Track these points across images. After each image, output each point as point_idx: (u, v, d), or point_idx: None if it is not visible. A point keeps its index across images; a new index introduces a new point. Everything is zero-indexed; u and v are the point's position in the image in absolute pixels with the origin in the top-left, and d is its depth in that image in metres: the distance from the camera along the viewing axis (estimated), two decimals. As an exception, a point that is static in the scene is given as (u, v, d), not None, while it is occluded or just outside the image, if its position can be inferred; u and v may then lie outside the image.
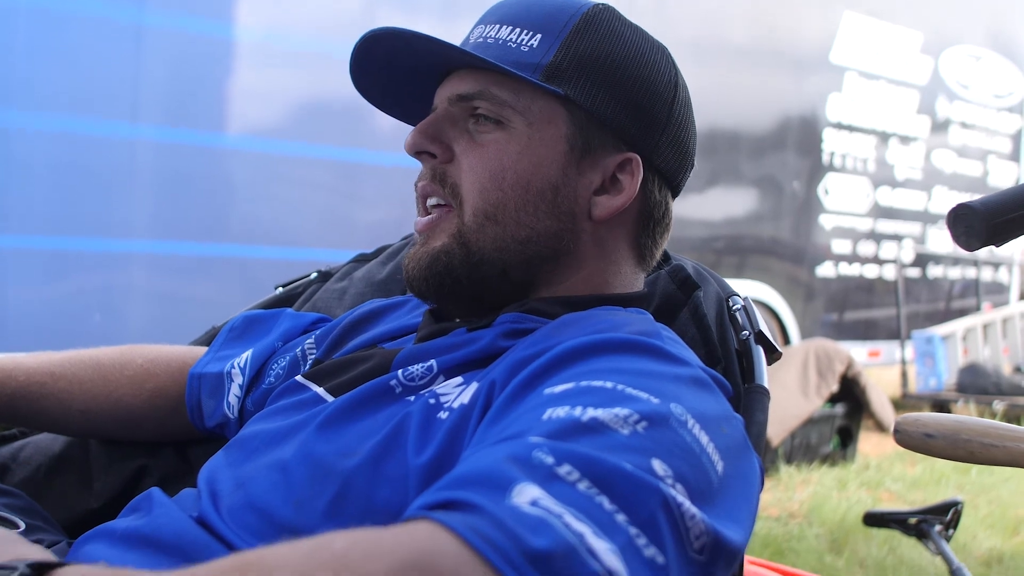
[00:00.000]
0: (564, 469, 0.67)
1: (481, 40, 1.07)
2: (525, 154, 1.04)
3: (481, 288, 1.06)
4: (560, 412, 0.75)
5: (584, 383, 0.81)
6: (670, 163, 1.10)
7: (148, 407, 1.34)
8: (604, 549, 0.62)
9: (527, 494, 0.64)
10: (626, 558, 0.63)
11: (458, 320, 1.11)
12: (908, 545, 3.92)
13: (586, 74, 1.04)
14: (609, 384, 0.80)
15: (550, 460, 0.68)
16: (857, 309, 7.43)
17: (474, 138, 1.06)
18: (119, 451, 1.41)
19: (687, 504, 0.69)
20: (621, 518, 0.65)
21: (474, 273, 1.05)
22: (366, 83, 1.15)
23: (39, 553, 0.82)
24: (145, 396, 1.34)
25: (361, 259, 1.62)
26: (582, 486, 0.66)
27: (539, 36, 1.04)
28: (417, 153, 1.08)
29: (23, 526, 0.92)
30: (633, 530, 0.65)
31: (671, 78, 1.10)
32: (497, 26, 1.06)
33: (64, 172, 3.68)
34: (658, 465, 0.71)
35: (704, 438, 0.78)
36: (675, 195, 1.15)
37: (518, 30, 1.05)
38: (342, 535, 0.62)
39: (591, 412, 0.75)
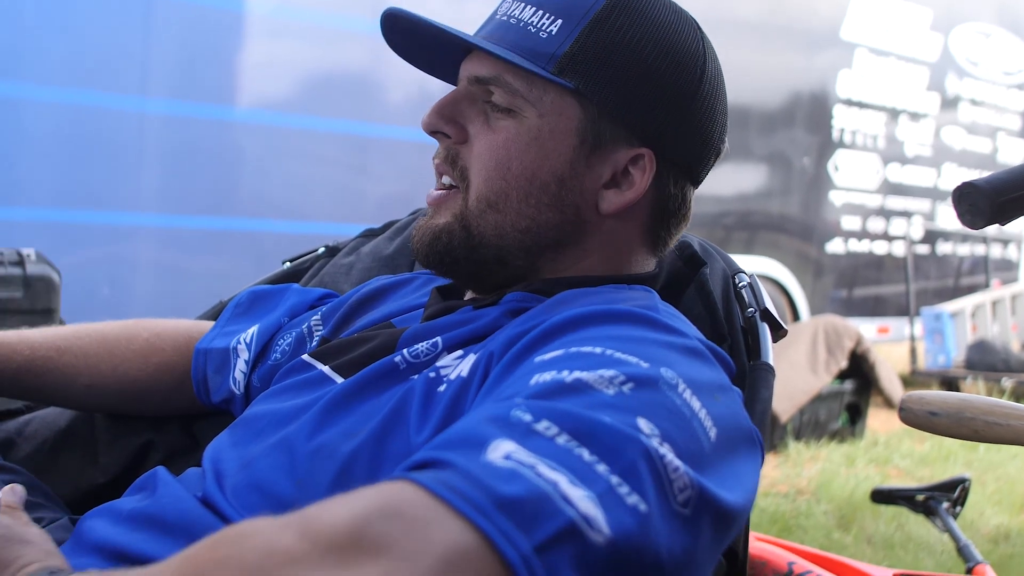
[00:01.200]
0: (542, 425, 0.68)
1: (504, 18, 1.06)
2: (533, 145, 1.03)
3: (479, 269, 1.07)
4: (546, 376, 0.76)
5: (574, 349, 0.81)
6: (688, 156, 1.08)
7: (154, 381, 1.34)
8: (580, 496, 0.62)
9: (501, 449, 0.65)
10: (605, 504, 0.63)
11: (465, 298, 1.12)
12: (916, 522, 3.92)
13: (602, 66, 1.02)
14: (598, 349, 0.80)
15: (528, 417, 0.69)
16: (866, 285, 7.41)
17: (489, 121, 1.06)
18: (125, 426, 1.41)
19: (670, 456, 0.69)
20: (601, 468, 0.65)
21: (472, 255, 1.06)
22: (398, 46, 1.15)
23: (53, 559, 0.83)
24: (151, 370, 1.34)
25: (369, 234, 1.62)
26: (561, 440, 0.67)
27: (560, 22, 1.02)
28: (432, 132, 1.08)
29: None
30: (614, 479, 0.65)
31: (696, 69, 1.06)
32: (523, 4, 1.05)
33: (73, 145, 3.68)
34: (643, 423, 0.71)
35: (696, 403, 0.77)
36: (696, 184, 1.12)
37: (541, 12, 1.03)
38: (320, 502, 0.63)
39: (576, 374, 0.75)
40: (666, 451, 0.69)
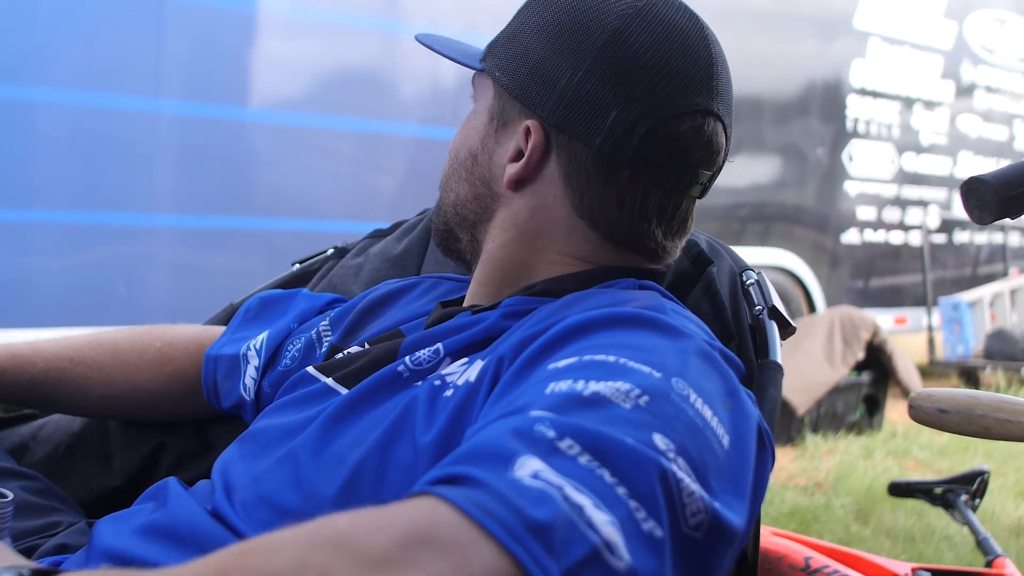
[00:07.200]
0: (565, 443, 0.68)
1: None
2: (464, 127, 1.14)
3: (442, 238, 1.20)
4: (562, 386, 0.76)
5: (587, 357, 0.81)
6: (581, 124, 1.01)
7: (167, 390, 1.36)
8: (603, 521, 0.62)
9: (529, 467, 0.65)
10: (625, 530, 0.63)
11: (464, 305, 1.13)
12: (936, 514, 3.90)
13: (507, 47, 1.09)
14: (611, 358, 0.80)
15: (552, 434, 0.68)
16: (883, 276, 7.38)
17: None
18: (138, 429, 1.43)
19: (687, 480, 0.70)
20: (621, 491, 0.66)
21: (438, 230, 1.20)
22: None
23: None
24: (164, 379, 1.35)
25: (377, 235, 1.62)
26: (583, 459, 0.67)
27: (513, 18, 1.11)
28: None
29: (11, 496, 0.94)
30: (633, 503, 0.65)
31: (598, 34, 1.01)
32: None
33: (89, 147, 3.70)
34: (659, 439, 0.71)
35: (708, 412, 0.77)
36: (611, 157, 1.01)
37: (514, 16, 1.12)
38: (345, 514, 0.63)
39: (593, 386, 0.75)
40: (683, 473, 0.70)
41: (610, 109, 1.01)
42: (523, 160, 1.05)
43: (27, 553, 1.07)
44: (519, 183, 1.07)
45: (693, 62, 1.02)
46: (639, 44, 1.01)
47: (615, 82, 1.01)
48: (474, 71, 1.14)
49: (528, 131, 1.05)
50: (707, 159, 1.05)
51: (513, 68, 1.06)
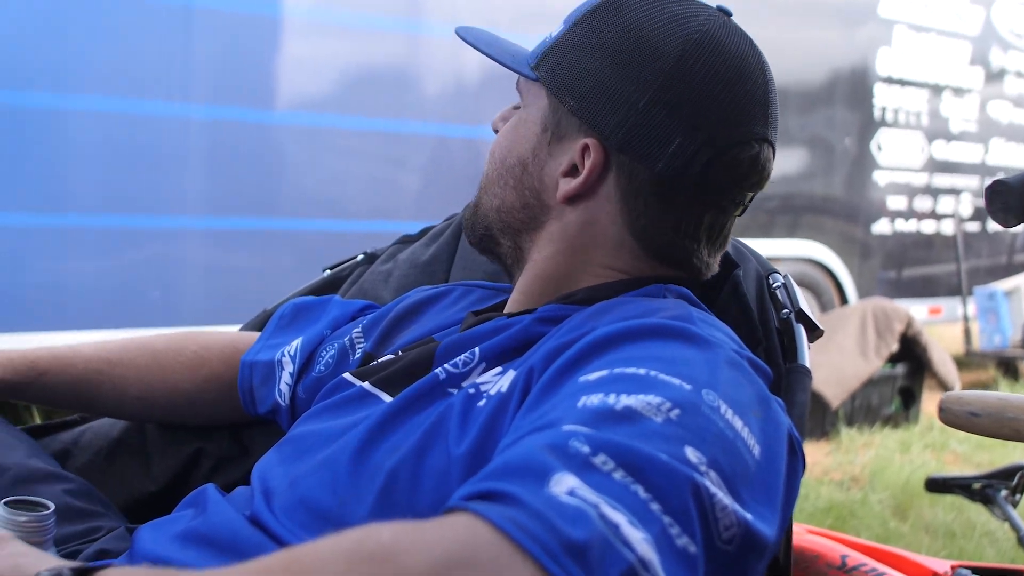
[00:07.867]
0: (600, 459, 0.68)
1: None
2: (511, 132, 1.13)
3: (483, 243, 1.19)
4: (594, 400, 0.76)
5: (618, 370, 0.81)
6: (644, 148, 1.02)
7: (202, 392, 1.38)
8: (639, 539, 0.63)
9: (564, 483, 0.65)
10: (660, 547, 0.64)
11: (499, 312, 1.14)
12: (977, 509, 3.83)
13: (565, 59, 1.06)
14: (642, 371, 0.80)
15: (586, 449, 0.69)
16: (916, 266, 7.30)
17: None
18: (175, 435, 1.45)
19: (720, 495, 0.70)
20: (655, 507, 0.66)
21: (476, 231, 1.18)
22: None
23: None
24: (199, 382, 1.38)
25: (405, 240, 1.64)
26: (617, 475, 0.67)
27: (561, 26, 1.10)
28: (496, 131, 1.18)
29: (52, 507, 0.96)
30: (667, 519, 0.66)
31: (663, 62, 1.01)
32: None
33: (120, 152, 3.74)
34: (691, 453, 0.71)
35: (738, 423, 0.78)
36: (669, 182, 1.03)
37: (561, 23, 1.11)
38: (388, 527, 0.63)
39: (624, 400, 0.76)
40: (715, 488, 0.70)
41: (674, 136, 1.02)
42: (581, 177, 1.05)
43: (68, 558, 1.08)
44: (573, 198, 1.07)
45: (752, 91, 1.05)
46: (704, 72, 1.02)
47: (680, 110, 1.02)
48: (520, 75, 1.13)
49: (587, 148, 1.05)
50: (759, 183, 1.09)
51: (573, 84, 1.05)
